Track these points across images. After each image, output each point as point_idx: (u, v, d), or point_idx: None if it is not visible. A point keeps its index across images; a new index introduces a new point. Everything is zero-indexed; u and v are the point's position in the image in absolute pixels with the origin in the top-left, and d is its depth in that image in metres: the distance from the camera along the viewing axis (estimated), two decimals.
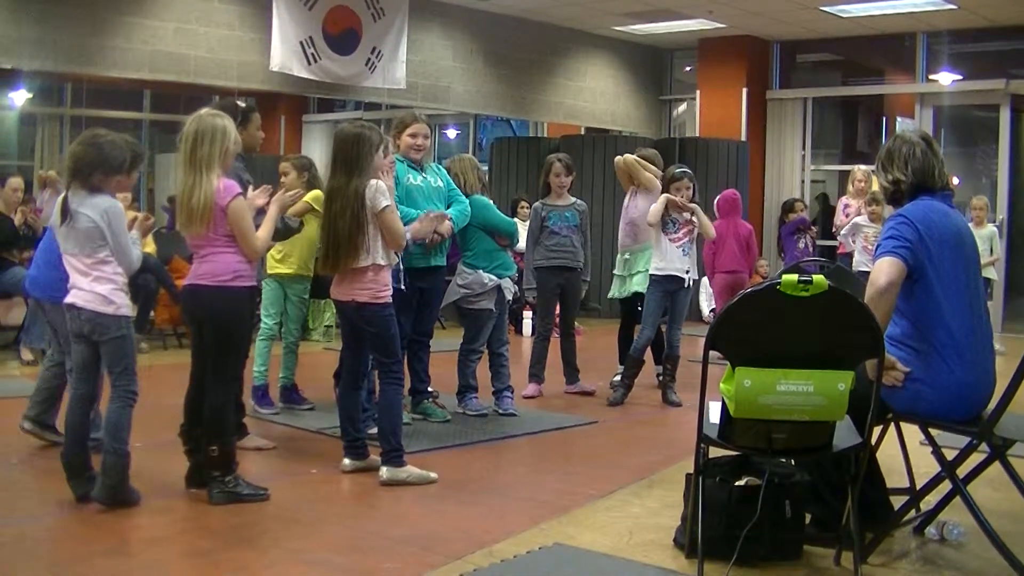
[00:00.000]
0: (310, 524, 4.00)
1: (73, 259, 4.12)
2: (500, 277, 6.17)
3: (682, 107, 15.10)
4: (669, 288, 6.64)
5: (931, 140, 3.76)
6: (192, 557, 3.65)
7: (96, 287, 4.07)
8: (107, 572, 3.45)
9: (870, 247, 8.05)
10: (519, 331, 10.15)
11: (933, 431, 3.62)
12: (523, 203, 10.63)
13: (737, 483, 3.57)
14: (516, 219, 8.51)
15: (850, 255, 8.76)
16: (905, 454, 4.16)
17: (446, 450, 5.30)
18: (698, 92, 14.05)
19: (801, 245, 10.24)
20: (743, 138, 13.29)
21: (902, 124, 13.29)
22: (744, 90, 13.53)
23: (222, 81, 10.40)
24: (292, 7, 10.44)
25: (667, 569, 3.53)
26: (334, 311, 6.95)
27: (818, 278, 3.16)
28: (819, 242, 11.29)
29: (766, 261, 12.37)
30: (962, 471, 3.58)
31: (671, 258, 6.62)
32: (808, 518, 3.71)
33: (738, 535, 3.42)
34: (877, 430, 3.92)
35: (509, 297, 6.33)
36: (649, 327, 6.72)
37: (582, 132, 13.88)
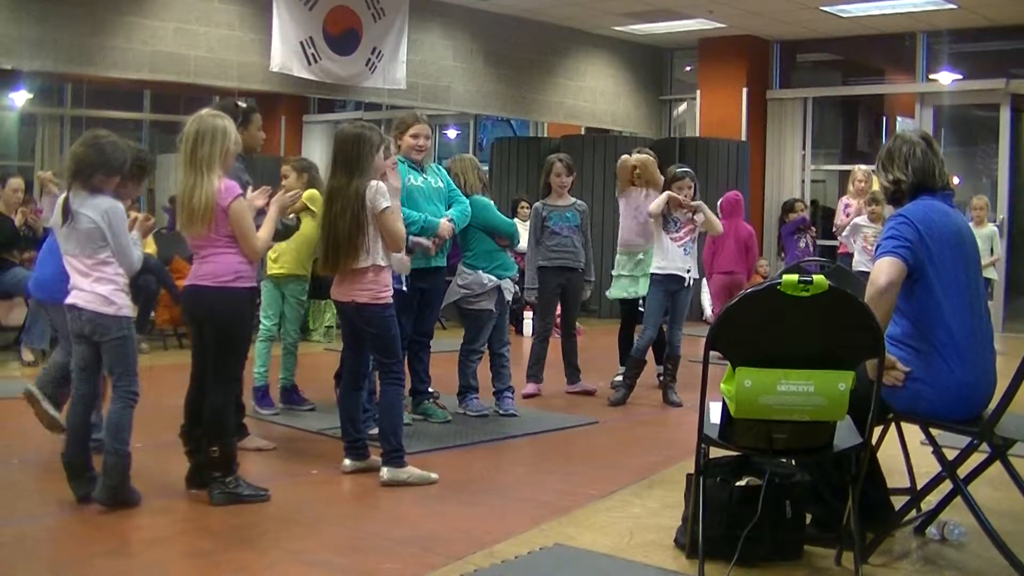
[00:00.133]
0: (310, 525, 4.00)
1: (74, 260, 4.12)
2: (500, 278, 6.17)
3: (682, 107, 15.10)
4: (671, 288, 6.64)
5: (931, 140, 3.76)
6: (192, 558, 3.65)
7: (97, 288, 4.07)
8: (107, 573, 3.45)
9: (870, 247, 8.05)
10: (520, 331, 10.15)
11: (934, 431, 3.62)
12: (523, 203, 10.63)
13: (738, 483, 3.57)
14: (516, 219, 8.53)
15: (851, 255, 8.76)
16: (906, 454, 4.16)
17: (447, 451, 5.31)
18: (698, 92, 14.05)
19: (802, 245, 10.24)
20: (743, 138, 13.29)
21: (902, 124, 13.29)
22: (744, 90, 13.53)
23: (222, 81, 10.40)
24: (292, 7, 10.45)
25: (668, 570, 3.53)
26: (335, 312, 6.96)
27: (818, 278, 3.16)
28: (819, 242, 11.29)
29: (766, 261, 12.37)
30: (963, 471, 3.58)
31: (673, 257, 6.62)
32: (809, 518, 3.71)
33: (739, 535, 3.42)
34: (878, 430, 3.92)
35: (509, 298, 6.33)
36: (651, 327, 6.71)
37: (582, 132, 13.88)
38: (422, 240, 5.52)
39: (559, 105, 13.57)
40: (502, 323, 6.38)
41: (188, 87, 10.95)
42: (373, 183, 4.51)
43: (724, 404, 3.38)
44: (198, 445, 4.32)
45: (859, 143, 14.91)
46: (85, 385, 4.21)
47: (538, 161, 9.42)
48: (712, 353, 3.31)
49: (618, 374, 7.13)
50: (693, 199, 6.64)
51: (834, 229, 9.64)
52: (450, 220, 5.71)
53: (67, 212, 4.08)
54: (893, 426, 4.01)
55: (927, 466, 3.97)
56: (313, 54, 10.66)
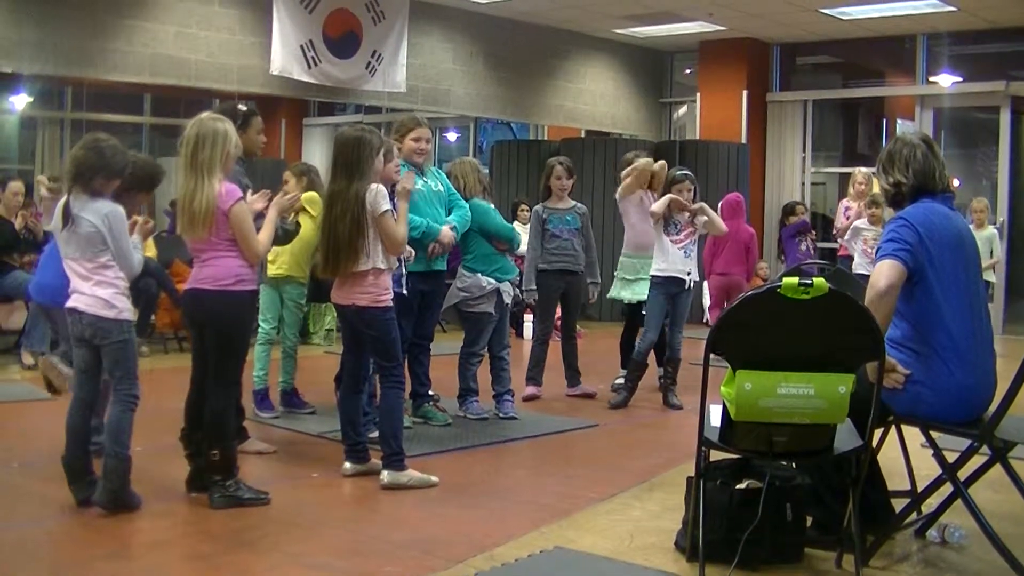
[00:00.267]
0: (311, 528, 4.00)
1: (74, 263, 4.12)
2: (499, 281, 6.17)
3: (682, 110, 15.10)
4: (671, 290, 6.63)
5: (932, 142, 3.76)
6: (193, 561, 3.65)
7: (97, 291, 4.07)
8: None
9: (870, 250, 8.04)
10: (520, 334, 10.14)
11: (934, 433, 3.62)
12: (523, 206, 10.63)
13: (738, 486, 3.57)
14: (516, 222, 8.53)
15: (851, 258, 8.76)
16: (906, 456, 4.15)
17: (447, 454, 5.30)
18: (698, 94, 14.05)
19: (802, 248, 10.23)
20: (743, 140, 13.29)
21: (902, 126, 13.30)
22: (744, 92, 13.54)
23: (222, 85, 10.41)
24: (292, 11, 10.45)
25: (668, 572, 3.53)
26: (335, 315, 6.95)
27: (818, 281, 3.16)
28: (820, 244, 11.28)
29: (766, 264, 12.36)
30: (963, 473, 3.58)
31: (673, 259, 6.61)
32: (809, 521, 3.71)
33: (739, 538, 3.42)
34: (878, 433, 3.92)
35: (508, 301, 6.33)
36: (652, 330, 6.70)
37: (582, 135, 13.89)
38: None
39: (559, 108, 13.58)
40: (502, 326, 6.38)
41: (188, 91, 10.97)
42: (373, 186, 4.51)
43: (724, 407, 3.38)
44: (198, 448, 4.32)
45: (859, 145, 14.92)
46: (85, 388, 4.21)
47: (538, 164, 9.42)
48: (712, 355, 3.32)
49: (619, 377, 7.12)
50: (693, 202, 6.64)
51: (834, 232, 9.64)
52: (452, 228, 5.71)
53: (67, 216, 4.08)
54: (893, 429, 4.01)
55: (927, 469, 3.97)
56: (313, 57, 10.66)
